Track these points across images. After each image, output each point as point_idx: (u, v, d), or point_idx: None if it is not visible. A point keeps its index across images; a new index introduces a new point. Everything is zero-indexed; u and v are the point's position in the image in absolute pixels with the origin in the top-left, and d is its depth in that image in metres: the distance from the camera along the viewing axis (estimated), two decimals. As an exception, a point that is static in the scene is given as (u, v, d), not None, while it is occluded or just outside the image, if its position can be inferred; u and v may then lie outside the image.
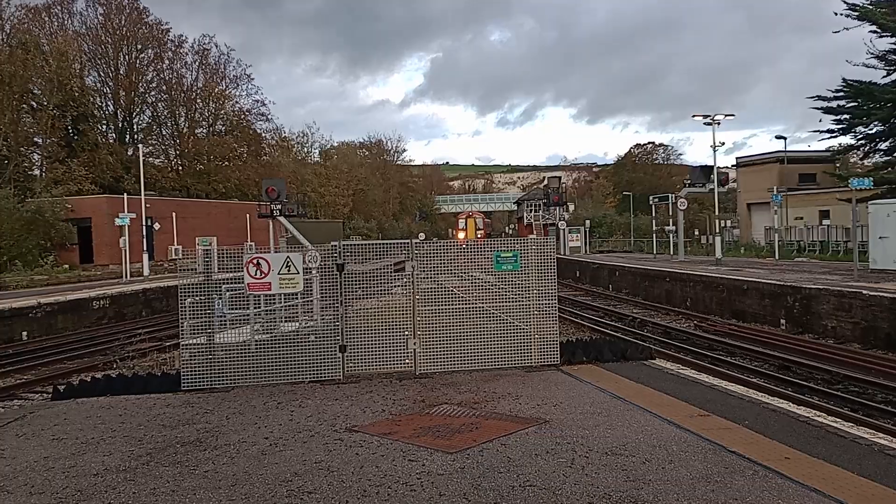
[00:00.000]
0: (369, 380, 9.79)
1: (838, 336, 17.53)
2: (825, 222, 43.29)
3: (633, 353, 11.30)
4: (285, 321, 12.17)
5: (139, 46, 64.36)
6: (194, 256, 10.35)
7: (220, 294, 9.96)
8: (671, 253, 42.03)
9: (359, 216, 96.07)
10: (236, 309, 10.72)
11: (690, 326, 21.28)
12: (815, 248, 41.61)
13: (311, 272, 10.64)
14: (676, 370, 10.50)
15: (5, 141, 48.88)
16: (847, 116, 37.49)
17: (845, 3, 35.35)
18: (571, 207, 70.39)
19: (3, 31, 54.44)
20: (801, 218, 46.99)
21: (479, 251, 11.58)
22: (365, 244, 12.45)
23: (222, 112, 72.15)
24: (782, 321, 19.78)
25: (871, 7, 34.75)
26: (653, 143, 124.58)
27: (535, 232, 63.35)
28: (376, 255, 11.82)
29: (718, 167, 36.74)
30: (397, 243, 10.78)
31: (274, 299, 11.63)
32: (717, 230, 37.03)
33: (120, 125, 65.67)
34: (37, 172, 55.03)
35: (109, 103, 64.61)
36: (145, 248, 37.70)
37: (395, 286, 11.65)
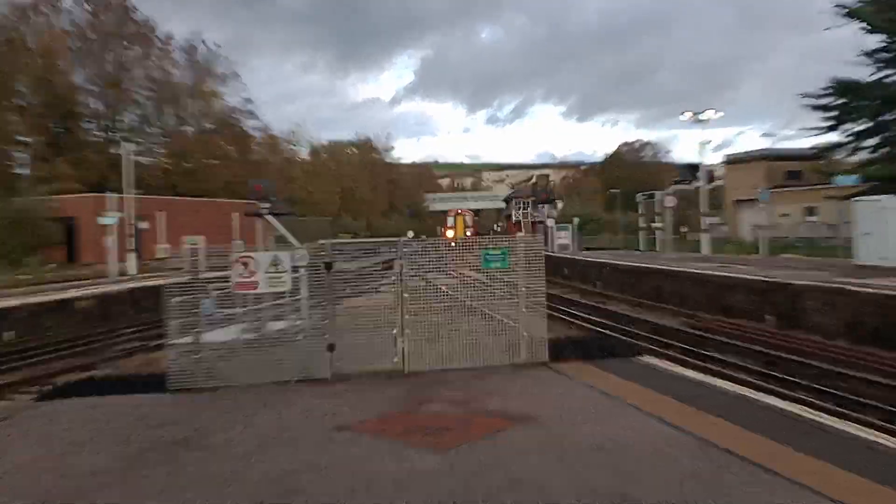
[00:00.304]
0: (358, 379, 9.76)
1: (825, 332, 17.64)
2: (812, 219, 43.61)
3: (622, 349, 11.36)
4: (273, 320, 12.11)
5: (126, 44, 63.89)
6: (181, 255, 10.28)
7: (208, 293, 9.90)
8: (659, 250, 42.21)
9: (347, 214, 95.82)
10: (224, 308, 10.66)
11: (678, 323, 21.37)
12: (801, 244, 41.90)
13: (299, 271, 10.60)
14: (664, 366, 10.54)
15: (-10, 139, 48.49)
16: (834, 114, 37.75)
17: (833, 0, 35.61)
18: (560, 205, 70.55)
19: (-11, 28, 53.96)
20: (788, 215, 47.32)
21: (468, 249, 11.58)
22: (353, 242, 12.43)
23: (210, 110, 71.77)
24: (769, 317, 19.89)
25: (858, 5, 34.99)
26: (641, 140, 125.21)
27: (523, 230, 63.28)
28: (365, 253, 11.80)
29: (706, 164, 36.89)
30: (386, 241, 10.77)
31: (261, 298, 11.58)
32: (705, 227, 37.19)
33: (106, 123, 65.18)
34: (22, 171, 54.55)
35: (96, 101, 64.15)
36: (132, 248, 37.47)
37: (383, 285, 11.63)
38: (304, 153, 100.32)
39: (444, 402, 8.29)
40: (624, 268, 32.30)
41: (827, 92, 37.53)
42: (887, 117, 35.31)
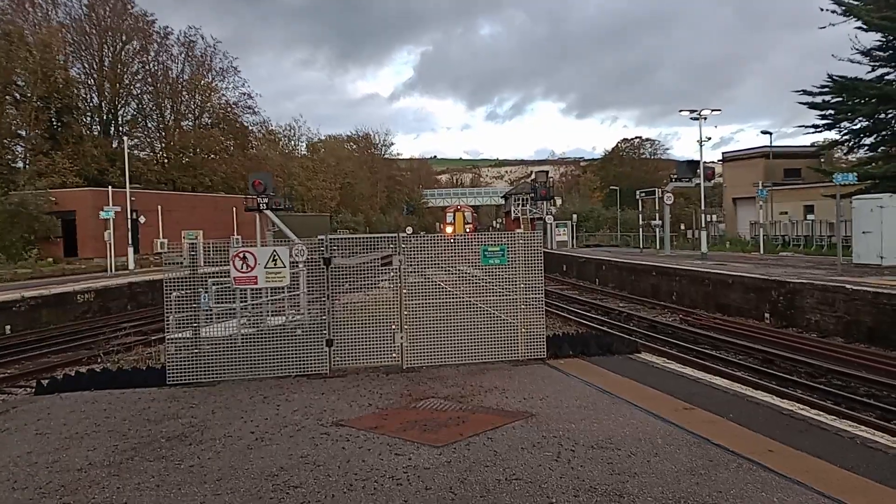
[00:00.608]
0: (356, 374, 9.78)
1: (822, 330, 17.69)
2: (810, 217, 43.65)
3: (619, 346, 11.36)
4: (272, 315, 12.13)
5: (124, 38, 63.61)
6: (180, 250, 10.29)
7: (206, 288, 9.91)
8: (657, 247, 42.24)
9: (346, 210, 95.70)
10: (222, 303, 10.68)
11: (676, 320, 21.40)
12: (799, 242, 41.95)
13: (297, 266, 10.62)
14: (662, 364, 10.57)
15: (-12, 133, 48.38)
16: (832, 112, 37.76)
17: (831, -2, 35.56)
18: (559, 202, 70.52)
19: (-14, 21, 53.75)
20: (786, 213, 47.34)
21: (467, 245, 11.59)
22: (352, 238, 12.43)
23: (208, 105, 71.52)
24: (767, 315, 19.93)
25: (856, 3, 34.99)
26: (640, 137, 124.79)
27: (522, 226, 63.45)
28: (363, 249, 11.80)
29: (705, 162, 36.87)
30: (385, 237, 10.78)
31: (260, 293, 11.59)
32: (703, 225, 37.22)
33: (105, 117, 64.96)
34: (20, 165, 54.40)
35: (94, 95, 63.87)
36: (130, 242, 37.44)
37: (382, 280, 11.64)
38: (302, 149, 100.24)
39: (441, 397, 8.31)
40: (622, 265, 32.33)
41: (824, 90, 37.54)
42: (884, 115, 35.32)
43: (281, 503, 5.20)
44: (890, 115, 35.22)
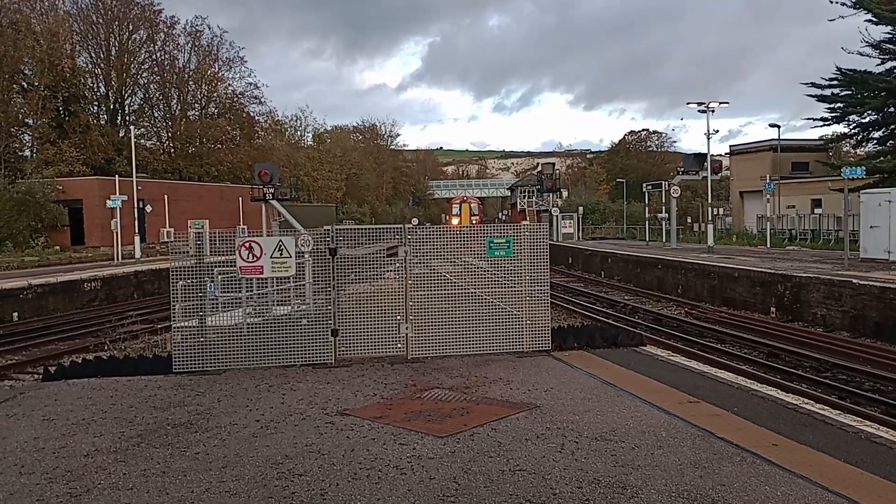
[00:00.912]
0: (361, 364, 9.81)
1: (827, 324, 17.64)
2: (817, 211, 43.45)
3: (624, 339, 11.36)
4: (277, 305, 12.16)
5: (130, 27, 63.59)
6: (186, 239, 10.32)
7: (212, 277, 9.94)
8: (663, 240, 42.14)
9: (352, 201, 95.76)
10: (228, 292, 10.71)
11: (681, 313, 21.38)
12: (806, 236, 41.78)
13: (303, 256, 10.63)
14: (667, 357, 10.56)
15: (-5, 121, 48.48)
16: (840, 105, 37.51)
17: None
18: (565, 194, 70.53)
19: (-6, 10, 53.79)
20: (794, 206, 47.12)
21: (472, 237, 11.60)
22: (358, 229, 12.42)
23: (215, 94, 71.51)
24: (772, 309, 19.88)
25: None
26: (647, 130, 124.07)
27: (528, 218, 63.36)
28: (369, 239, 11.81)
29: (712, 155, 36.73)
30: (390, 228, 10.80)
31: (266, 283, 11.62)
32: (710, 218, 37.09)
33: (111, 106, 65.02)
34: (27, 153, 54.52)
35: (101, 84, 63.91)
36: (137, 231, 37.55)
37: (387, 271, 11.66)
38: (308, 139, 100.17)
39: (446, 388, 8.32)
40: (628, 257, 32.28)
41: (833, 83, 37.29)
42: (894, 109, 35.08)
43: (285, 491, 5.23)
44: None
